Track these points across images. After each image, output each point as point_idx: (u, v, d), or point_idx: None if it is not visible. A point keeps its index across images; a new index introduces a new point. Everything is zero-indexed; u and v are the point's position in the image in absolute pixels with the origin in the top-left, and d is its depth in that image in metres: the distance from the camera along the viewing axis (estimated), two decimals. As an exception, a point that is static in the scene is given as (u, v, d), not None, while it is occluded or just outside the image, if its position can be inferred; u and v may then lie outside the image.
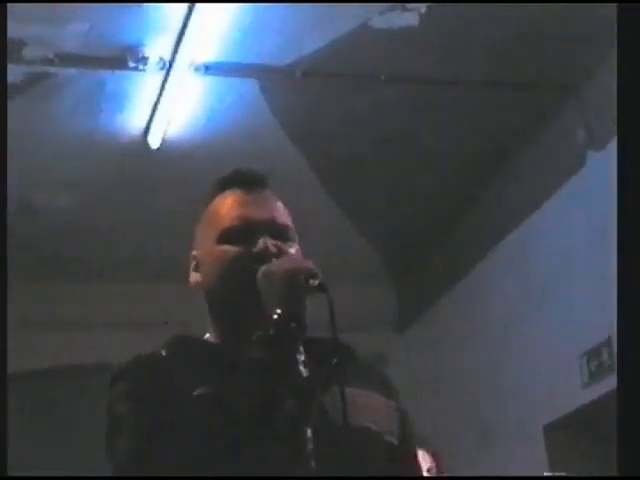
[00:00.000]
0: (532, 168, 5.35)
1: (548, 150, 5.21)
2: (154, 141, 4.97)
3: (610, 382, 4.39)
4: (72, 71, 4.53)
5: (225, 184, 1.84)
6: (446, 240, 6.19)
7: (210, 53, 4.47)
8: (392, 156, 5.40)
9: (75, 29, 4.27)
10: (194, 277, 1.81)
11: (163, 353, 1.73)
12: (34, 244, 5.69)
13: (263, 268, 1.66)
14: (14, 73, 4.38)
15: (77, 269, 6.11)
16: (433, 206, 5.89)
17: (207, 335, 1.80)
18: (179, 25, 4.26)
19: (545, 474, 4.17)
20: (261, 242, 1.71)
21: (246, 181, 1.82)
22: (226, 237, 1.75)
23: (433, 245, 6.26)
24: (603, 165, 4.55)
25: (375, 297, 6.54)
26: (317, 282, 1.62)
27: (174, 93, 4.64)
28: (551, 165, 5.20)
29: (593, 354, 4.72)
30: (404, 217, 5.96)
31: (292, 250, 1.75)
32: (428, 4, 4.30)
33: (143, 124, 4.92)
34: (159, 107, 4.75)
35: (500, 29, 4.44)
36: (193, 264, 1.82)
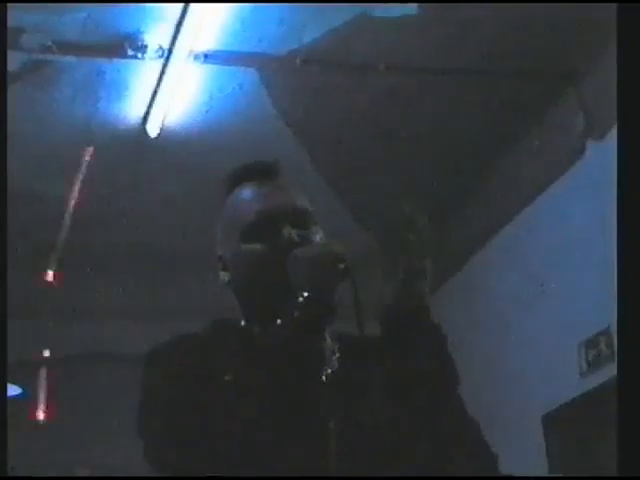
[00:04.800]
0: (531, 158, 5.35)
1: (548, 139, 5.21)
2: (152, 130, 4.96)
3: (608, 372, 4.40)
4: (70, 59, 4.51)
5: (238, 179, 1.83)
6: (445, 230, 6.18)
7: (209, 41, 4.46)
8: (391, 145, 5.39)
9: (73, 17, 4.25)
10: (223, 277, 1.80)
11: (200, 335, 1.73)
12: (32, 232, 5.69)
13: (291, 255, 1.65)
14: (12, 61, 4.36)
15: (75, 257, 6.11)
16: (432, 195, 5.88)
17: (243, 322, 1.79)
18: (178, 13, 4.25)
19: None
20: (285, 234, 1.69)
21: (258, 172, 1.81)
22: (249, 234, 1.73)
23: (433, 234, 6.25)
24: (602, 154, 4.55)
25: (373, 289, 6.53)
26: (343, 266, 1.61)
27: (173, 81, 4.63)
28: (550, 154, 5.20)
29: (591, 344, 4.73)
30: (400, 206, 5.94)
31: (317, 236, 1.74)
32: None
33: (142, 112, 4.91)
34: (158, 95, 4.74)
35: (499, 18, 4.43)
36: (220, 264, 1.81)
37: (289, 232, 1.70)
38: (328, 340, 1.73)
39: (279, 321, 1.62)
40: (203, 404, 1.56)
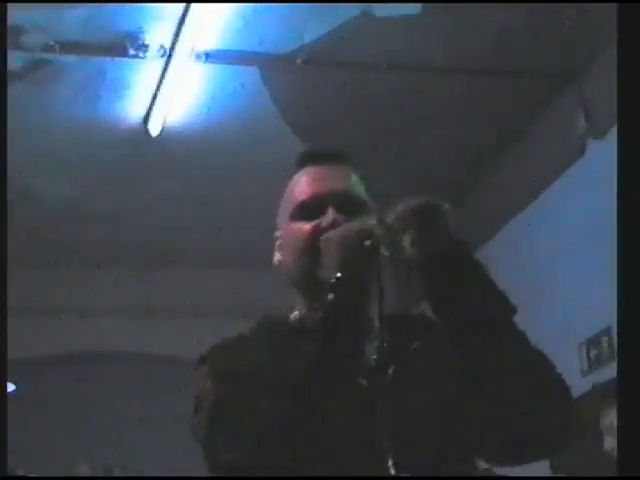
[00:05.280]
0: (532, 156, 5.35)
1: (548, 138, 5.20)
2: (154, 129, 4.97)
3: (610, 371, 4.39)
4: (72, 58, 4.51)
5: (303, 161, 1.85)
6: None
7: (211, 41, 4.46)
8: (393, 144, 5.39)
9: (75, 16, 4.25)
10: (276, 257, 1.82)
11: (248, 335, 1.74)
12: (32, 231, 5.69)
13: (324, 236, 1.66)
14: (13, 60, 4.37)
15: (77, 256, 6.12)
16: (433, 194, 5.88)
17: (295, 313, 1.79)
18: (180, 12, 4.25)
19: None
20: (329, 215, 1.71)
21: (322, 156, 1.83)
22: (298, 213, 1.76)
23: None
24: (603, 153, 4.55)
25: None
26: (369, 242, 1.60)
27: (174, 81, 4.63)
28: (551, 153, 5.19)
29: (593, 343, 4.72)
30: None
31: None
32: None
33: (143, 112, 4.91)
34: (159, 95, 4.74)
35: (500, 17, 4.43)
36: (277, 244, 1.82)
37: (334, 215, 1.70)
38: (375, 321, 1.71)
39: (315, 305, 1.63)
40: (254, 402, 1.56)
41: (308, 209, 1.75)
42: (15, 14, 3.95)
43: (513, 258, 5.55)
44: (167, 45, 4.43)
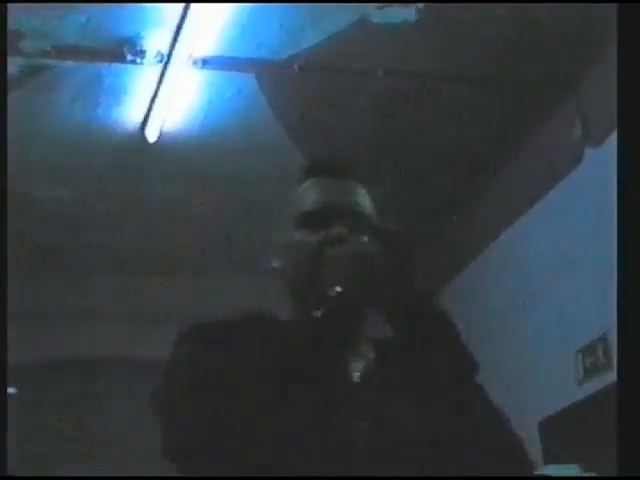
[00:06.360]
0: (529, 165, 5.35)
1: (545, 146, 5.21)
2: (151, 134, 4.97)
3: (605, 379, 4.39)
4: (70, 64, 4.52)
5: (312, 171, 1.85)
6: (442, 237, 6.19)
7: (208, 47, 4.46)
8: (390, 150, 5.40)
9: (73, 21, 4.26)
10: (276, 262, 1.82)
11: (234, 322, 1.75)
12: (31, 235, 5.69)
13: (331, 251, 1.67)
14: (12, 65, 4.37)
15: (74, 261, 6.11)
16: (430, 202, 5.89)
17: (286, 316, 1.80)
18: (177, 18, 4.25)
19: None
20: (334, 230, 1.71)
21: (329, 168, 1.84)
22: (303, 222, 1.76)
23: (430, 242, 6.26)
24: (600, 162, 4.55)
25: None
26: (375, 263, 1.62)
27: (172, 87, 4.63)
28: (548, 161, 5.20)
29: (588, 351, 4.73)
30: (401, 213, 5.95)
31: (366, 238, 1.73)
32: (427, -1, 4.30)
33: (140, 117, 4.92)
34: (157, 100, 4.75)
35: (498, 25, 4.44)
36: (277, 250, 1.84)
37: (339, 229, 1.71)
38: (362, 342, 1.74)
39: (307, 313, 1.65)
40: (226, 390, 1.57)
41: (315, 220, 1.75)
42: (13, 19, 3.96)
43: (510, 265, 5.56)
44: (165, 51, 4.44)
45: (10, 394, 5.21)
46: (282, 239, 1.81)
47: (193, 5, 4.17)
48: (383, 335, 1.70)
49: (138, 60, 4.46)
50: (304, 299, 1.71)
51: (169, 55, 4.44)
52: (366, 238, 1.71)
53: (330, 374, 1.63)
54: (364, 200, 1.82)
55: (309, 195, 1.79)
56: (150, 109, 4.83)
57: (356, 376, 1.69)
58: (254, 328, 1.70)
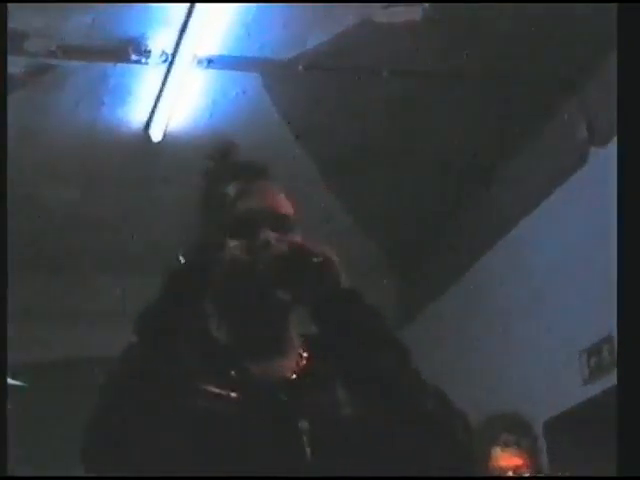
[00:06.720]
0: (533, 165, 5.35)
1: (549, 147, 5.20)
2: (156, 134, 4.97)
3: (610, 379, 4.38)
4: (75, 64, 4.53)
5: (227, 174, 1.84)
6: (447, 237, 6.18)
7: (213, 46, 4.46)
8: (393, 151, 5.40)
9: (78, 21, 4.26)
10: (182, 261, 1.80)
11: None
12: (35, 235, 5.70)
13: (265, 255, 1.68)
14: (16, 65, 4.38)
15: (78, 262, 6.12)
16: (434, 203, 5.88)
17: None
18: (182, 18, 4.26)
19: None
20: (262, 235, 1.71)
21: (248, 171, 1.82)
22: (228, 232, 1.75)
23: (434, 242, 6.26)
24: (604, 162, 4.54)
25: (374, 294, 6.53)
26: (317, 260, 1.65)
27: (176, 86, 4.64)
28: (553, 162, 5.19)
29: (593, 351, 4.72)
30: (405, 214, 5.95)
31: (295, 240, 1.75)
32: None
33: (145, 117, 4.92)
34: (161, 100, 4.75)
35: (501, 25, 4.44)
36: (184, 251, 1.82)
37: (267, 234, 1.71)
38: (295, 339, 1.76)
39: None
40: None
41: (240, 227, 1.74)
42: (18, 19, 3.96)
43: (514, 267, 5.55)
44: (169, 51, 4.44)
45: (16, 386, 5.22)
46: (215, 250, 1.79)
47: (198, 5, 4.17)
48: (311, 332, 1.71)
49: (143, 60, 4.47)
50: (240, 309, 1.73)
51: (174, 55, 4.45)
52: (290, 238, 1.73)
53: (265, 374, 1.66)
54: (286, 202, 1.81)
55: (232, 202, 1.78)
56: (155, 109, 4.83)
57: (294, 376, 1.70)
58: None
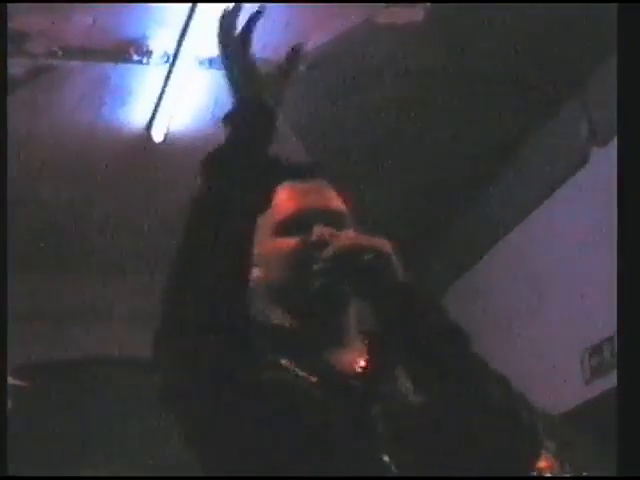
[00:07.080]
0: (535, 164, 5.35)
1: (551, 146, 5.20)
2: (157, 135, 4.98)
3: (612, 379, 4.38)
4: (75, 64, 4.53)
5: (280, 175, 1.85)
6: (448, 237, 6.18)
7: (214, 47, 4.45)
8: (395, 152, 5.40)
9: (79, 22, 4.27)
10: (255, 272, 1.80)
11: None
12: (36, 235, 5.70)
13: (319, 253, 1.70)
14: (17, 66, 4.38)
15: (78, 262, 6.12)
16: (435, 202, 5.88)
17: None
18: (183, 18, 4.26)
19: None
20: (316, 231, 1.73)
21: (299, 170, 1.85)
22: (282, 229, 1.77)
23: (434, 242, 6.26)
24: (606, 161, 4.54)
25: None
26: (369, 257, 1.66)
27: (178, 87, 4.64)
28: (554, 161, 5.19)
29: (595, 351, 4.72)
30: (405, 213, 5.95)
31: (346, 233, 1.77)
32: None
33: (146, 118, 4.92)
34: (163, 101, 4.75)
35: (503, 25, 4.44)
36: (254, 260, 1.82)
37: (320, 230, 1.73)
38: (355, 331, 1.78)
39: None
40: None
41: (292, 224, 1.77)
42: (20, 20, 3.97)
43: (516, 266, 5.55)
44: (171, 51, 4.45)
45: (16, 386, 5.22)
46: (258, 249, 1.79)
47: (199, 5, 4.17)
48: (372, 328, 1.73)
49: (144, 60, 4.47)
50: (293, 306, 1.75)
51: (175, 55, 4.45)
52: (347, 233, 1.76)
53: (330, 366, 1.68)
54: (337, 199, 1.85)
55: (283, 201, 1.80)
56: (156, 109, 4.83)
57: (358, 367, 1.72)
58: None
